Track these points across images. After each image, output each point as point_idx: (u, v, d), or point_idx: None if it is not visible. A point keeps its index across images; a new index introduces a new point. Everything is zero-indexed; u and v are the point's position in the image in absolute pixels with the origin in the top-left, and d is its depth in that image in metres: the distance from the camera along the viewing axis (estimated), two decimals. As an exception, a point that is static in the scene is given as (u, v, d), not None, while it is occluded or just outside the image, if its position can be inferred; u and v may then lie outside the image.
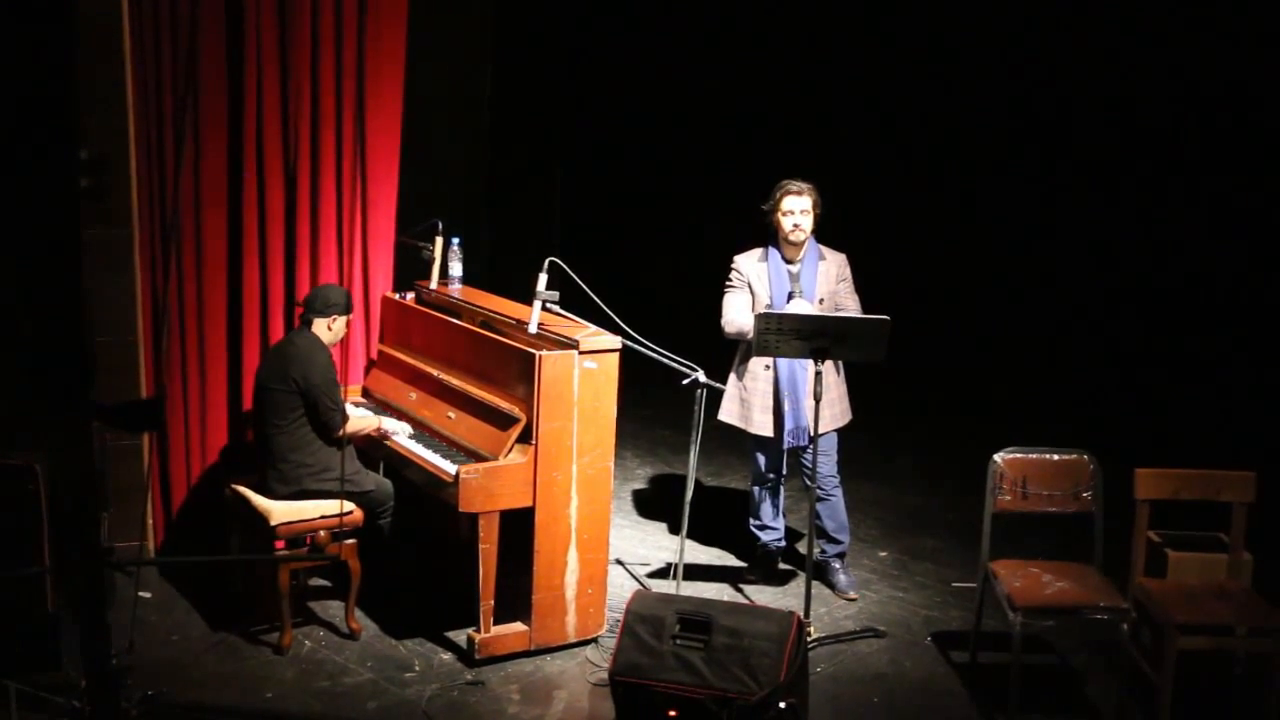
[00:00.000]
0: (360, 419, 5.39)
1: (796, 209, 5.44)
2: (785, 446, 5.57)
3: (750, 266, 5.53)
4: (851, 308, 5.57)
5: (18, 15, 2.94)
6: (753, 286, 5.52)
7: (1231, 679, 5.05)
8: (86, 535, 3.15)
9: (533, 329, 5.15)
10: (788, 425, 5.49)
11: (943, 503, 7.08)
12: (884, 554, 6.39)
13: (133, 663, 4.63)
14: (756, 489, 5.83)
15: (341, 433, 5.20)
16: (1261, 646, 4.69)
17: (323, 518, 5.10)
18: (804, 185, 5.48)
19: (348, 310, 5.37)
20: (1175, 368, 8.83)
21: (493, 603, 4.99)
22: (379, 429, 5.37)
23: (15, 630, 4.23)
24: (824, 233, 5.65)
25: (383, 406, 5.81)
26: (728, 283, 5.58)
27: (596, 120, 10.58)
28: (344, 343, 5.83)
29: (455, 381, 5.44)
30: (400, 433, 5.39)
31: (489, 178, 8.30)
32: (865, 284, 5.74)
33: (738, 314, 5.50)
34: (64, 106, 2.99)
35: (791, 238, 5.45)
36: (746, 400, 5.58)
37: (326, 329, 5.29)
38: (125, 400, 4.61)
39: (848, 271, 5.60)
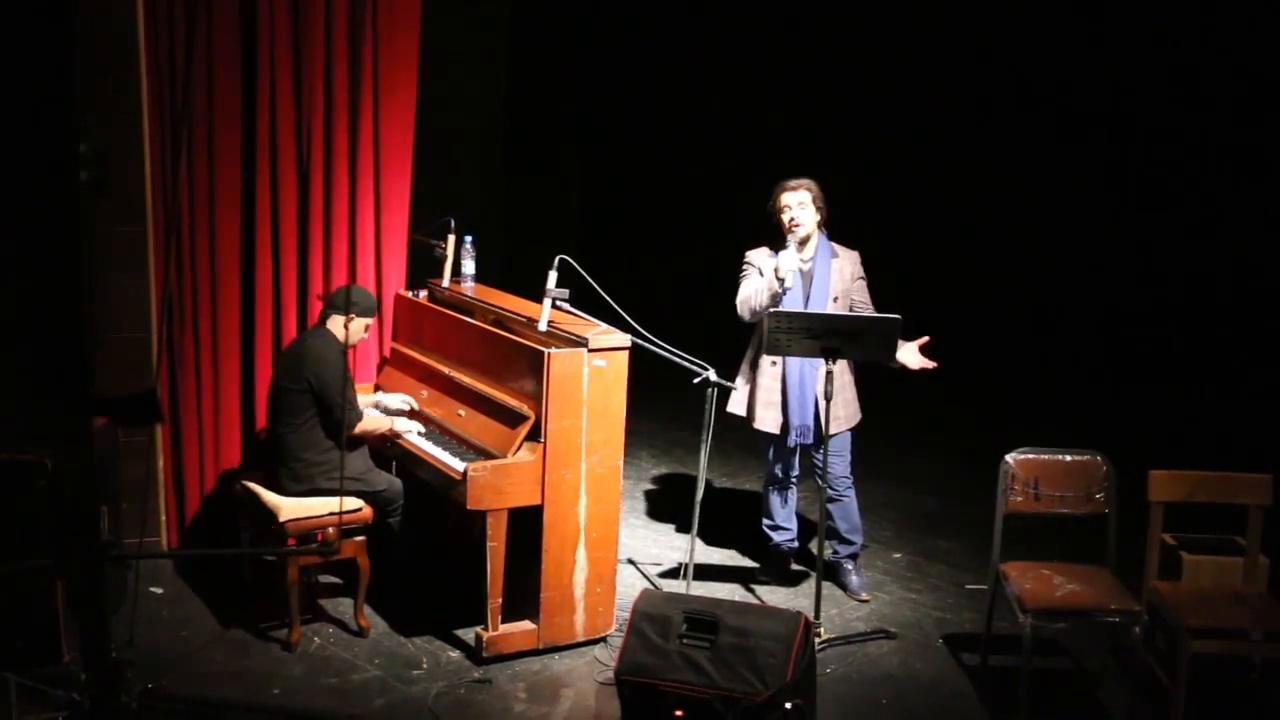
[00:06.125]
0: (372, 420, 5.39)
1: (793, 203, 5.43)
2: (791, 444, 5.54)
3: (762, 260, 5.50)
4: (867, 305, 5.55)
5: (17, 9, 2.94)
6: (764, 274, 5.49)
7: (1246, 684, 4.99)
8: (86, 529, 3.16)
9: (542, 327, 5.14)
10: (793, 423, 5.47)
11: (958, 504, 7.02)
12: (898, 555, 6.35)
13: (134, 656, 4.67)
14: (769, 489, 5.80)
15: (353, 431, 5.20)
16: (1277, 651, 4.63)
17: (332, 514, 5.10)
18: (801, 181, 5.46)
19: (367, 313, 5.37)
20: (1192, 368, 8.75)
21: (501, 601, 4.98)
22: (391, 430, 5.37)
23: (17, 624, 4.25)
24: (836, 231, 5.62)
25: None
26: (742, 273, 5.55)
27: (614, 118, 10.57)
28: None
29: (466, 379, 5.44)
30: (411, 431, 5.39)
31: (504, 175, 8.31)
32: (879, 283, 5.71)
33: (752, 289, 5.45)
34: (64, 100, 2.99)
35: (789, 233, 5.42)
36: (753, 394, 5.56)
37: (342, 326, 5.29)
38: (123, 393, 4.62)
39: (861, 269, 5.57)
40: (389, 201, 5.96)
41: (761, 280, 5.39)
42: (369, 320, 5.42)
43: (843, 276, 5.51)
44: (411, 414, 5.61)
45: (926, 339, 5.35)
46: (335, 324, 5.29)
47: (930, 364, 5.34)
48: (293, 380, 5.19)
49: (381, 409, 5.61)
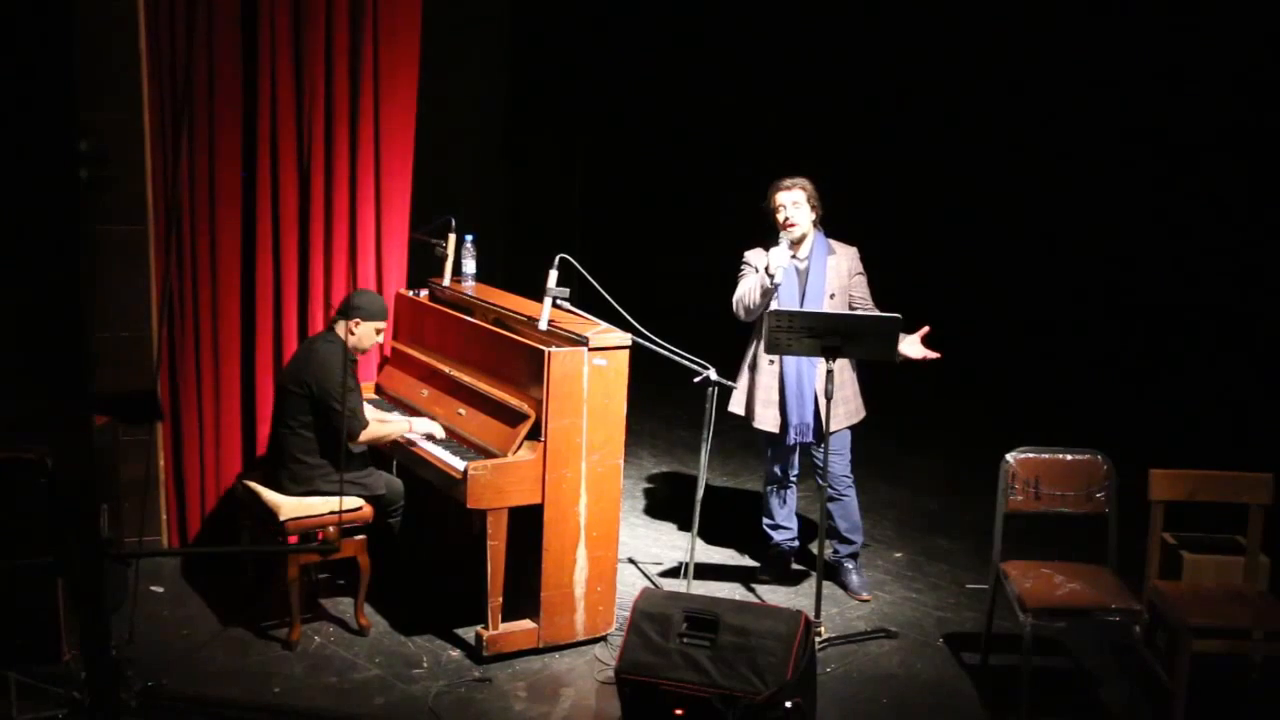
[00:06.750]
0: (384, 426, 5.34)
1: (788, 202, 5.43)
2: (790, 442, 5.54)
3: (759, 259, 5.50)
4: (866, 301, 5.55)
5: (18, 8, 2.93)
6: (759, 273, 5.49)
7: (1246, 684, 4.98)
8: (86, 527, 3.15)
9: (543, 325, 5.14)
10: (792, 421, 5.47)
11: (959, 504, 7.02)
12: (899, 555, 6.35)
13: (133, 654, 4.68)
14: (769, 488, 5.80)
15: (357, 440, 5.18)
16: (1278, 650, 4.63)
17: (332, 513, 5.10)
18: (795, 180, 5.47)
19: (373, 318, 5.28)
20: (1192, 367, 8.74)
21: (501, 600, 4.99)
22: (406, 436, 5.32)
23: (17, 621, 4.26)
24: (839, 230, 5.62)
25: (395, 403, 5.81)
26: (740, 273, 5.55)
27: (615, 117, 10.56)
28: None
29: (467, 378, 5.44)
30: (435, 434, 5.33)
31: (505, 174, 8.31)
32: (881, 282, 5.70)
33: (746, 288, 5.45)
34: (63, 98, 2.99)
35: (784, 232, 5.42)
36: (752, 394, 5.56)
37: (349, 332, 5.27)
38: (123, 392, 4.62)
39: (860, 265, 5.56)
40: (390, 200, 5.96)
41: (755, 278, 5.39)
42: (379, 324, 5.34)
43: (839, 273, 5.50)
44: (410, 414, 5.60)
45: (927, 329, 5.34)
46: (341, 330, 5.28)
47: (933, 354, 5.34)
48: (296, 383, 5.18)
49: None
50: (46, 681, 4.37)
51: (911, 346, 5.32)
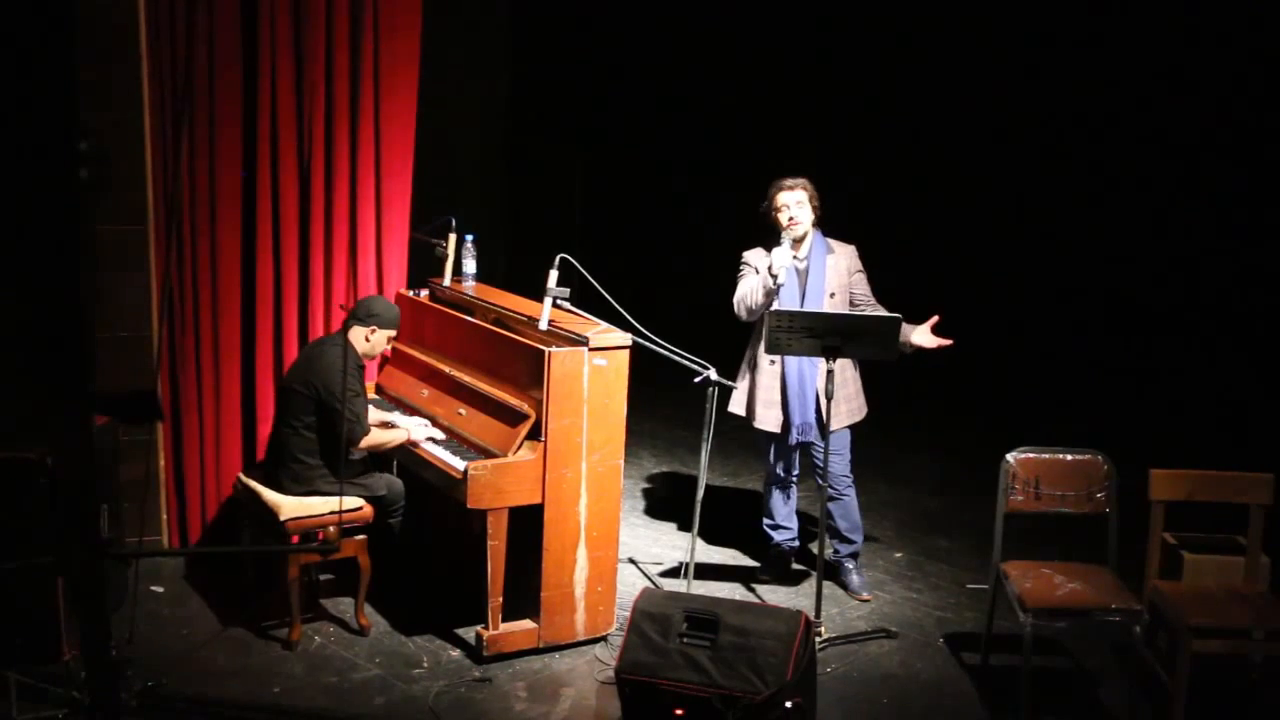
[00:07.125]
0: (386, 432, 5.31)
1: (791, 202, 5.43)
2: (792, 442, 5.54)
3: (759, 259, 5.50)
4: (868, 298, 5.54)
5: (18, 7, 2.93)
6: (760, 273, 5.49)
7: (1246, 684, 4.98)
8: (86, 527, 3.15)
9: (543, 325, 5.14)
10: (794, 421, 5.47)
11: (959, 503, 7.02)
12: (899, 555, 6.35)
13: (133, 654, 4.67)
14: (769, 488, 5.80)
15: (360, 445, 5.18)
16: (1278, 650, 4.62)
17: (332, 513, 5.10)
18: (797, 180, 5.47)
19: (389, 325, 5.32)
20: (1192, 367, 8.75)
21: (501, 600, 4.98)
22: (410, 441, 5.32)
23: (17, 621, 4.26)
24: (839, 230, 5.62)
25: (396, 403, 5.81)
26: (739, 274, 5.55)
27: (614, 117, 10.57)
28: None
29: (467, 378, 5.43)
30: (435, 438, 5.32)
31: (505, 175, 8.31)
32: (881, 281, 5.70)
33: (748, 288, 5.45)
34: (64, 97, 2.99)
35: (788, 231, 5.42)
36: (753, 394, 5.56)
37: (364, 339, 5.27)
38: (124, 392, 4.62)
39: (859, 263, 5.57)
40: (390, 200, 5.96)
41: (756, 279, 5.39)
42: (392, 332, 5.38)
43: (839, 272, 5.50)
44: (410, 413, 5.60)
45: (937, 318, 5.33)
46: (356, 335, 5.27)
47: (945, 341, 5.33)
48: (301, 383, 5.18)
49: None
50: (46, 681, 4.37)
51: (923, 336, 5.31)
